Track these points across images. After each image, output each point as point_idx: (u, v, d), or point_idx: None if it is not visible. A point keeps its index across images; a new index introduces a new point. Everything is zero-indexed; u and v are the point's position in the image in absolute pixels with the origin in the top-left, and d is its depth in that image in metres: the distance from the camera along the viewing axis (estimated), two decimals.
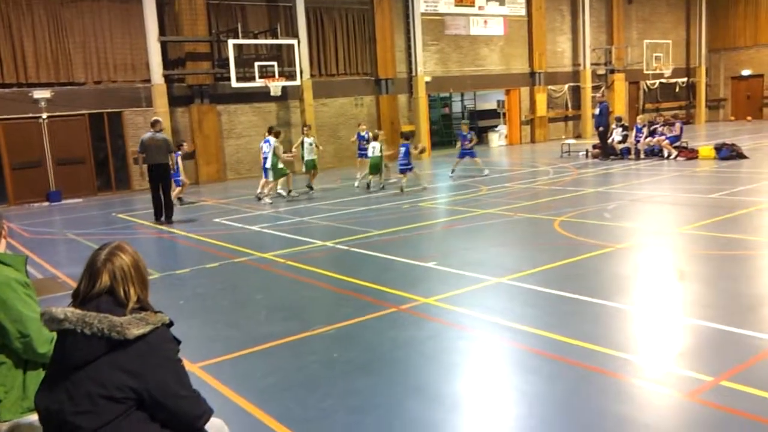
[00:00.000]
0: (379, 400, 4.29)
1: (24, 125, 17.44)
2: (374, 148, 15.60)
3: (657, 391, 4.23)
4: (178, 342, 2.48)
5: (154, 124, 12.67)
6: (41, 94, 17.51)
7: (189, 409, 2.40)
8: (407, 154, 15.15)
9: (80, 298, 2.42)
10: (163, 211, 12.61)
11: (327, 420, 4.09)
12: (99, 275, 2.41)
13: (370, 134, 17.26)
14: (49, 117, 17.70)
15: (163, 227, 12.13)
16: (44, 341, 3.04)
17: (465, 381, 4.64)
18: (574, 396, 4.21)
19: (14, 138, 17.32)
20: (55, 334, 2.54)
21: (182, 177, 15.13)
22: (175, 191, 14.46)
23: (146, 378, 2.29)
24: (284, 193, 15.23)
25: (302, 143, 16.21)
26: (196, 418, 2.43)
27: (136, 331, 2.29)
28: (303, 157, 16.19)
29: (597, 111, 19.82)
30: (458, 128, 20.34)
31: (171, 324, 2.46)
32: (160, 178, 12.52)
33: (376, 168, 15.73)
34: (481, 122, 32.09)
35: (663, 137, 18.94)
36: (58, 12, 17.71)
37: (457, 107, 34.25)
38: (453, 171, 17.70)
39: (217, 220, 12.64)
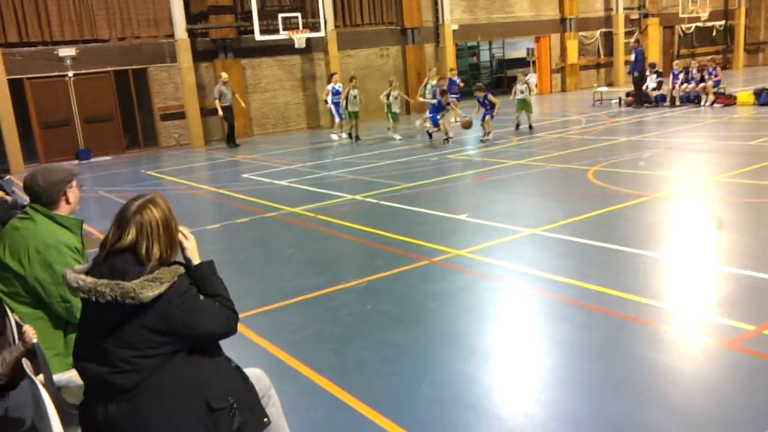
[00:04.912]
0: (413, 351, 4.30)
1: (51, 84, 17.51)
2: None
3: (696, 339, 4.16)
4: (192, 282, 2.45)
5: (225, 82, 17.62)
6: (66, 52, 17.49)
7: (217, 330, 2.43)
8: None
9: (105, 250, 2.38)
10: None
11: (363, 370, 4.11)
12: (127, 227, 2.36)
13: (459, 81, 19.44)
14: (75, 75, 17.74)
15: (193, 183, 12.25)
16: None
17: (498, 331, 4.61)
18: (609, 344, 4.16)
19: (42, 97, 17.41)
20: None
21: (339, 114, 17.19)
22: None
23: (173, 328, 2.30)
24: (345, 135, 17.34)
25: (348, 94, 16.78)
26: (225, 333, 2.46)
27: (150, 293, 2.23)
28: (347, 108, 16.88)
29: (633, 57, 19.16)
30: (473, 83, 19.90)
31: (187, 270, 2.43)
32: (225, 115, 17.77)
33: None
34: (510, 71, 31.34)
35: (710, 81, 18.14)
36: None
37: (485, 56, 33.46)
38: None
39: (245, 175, 12.67)
